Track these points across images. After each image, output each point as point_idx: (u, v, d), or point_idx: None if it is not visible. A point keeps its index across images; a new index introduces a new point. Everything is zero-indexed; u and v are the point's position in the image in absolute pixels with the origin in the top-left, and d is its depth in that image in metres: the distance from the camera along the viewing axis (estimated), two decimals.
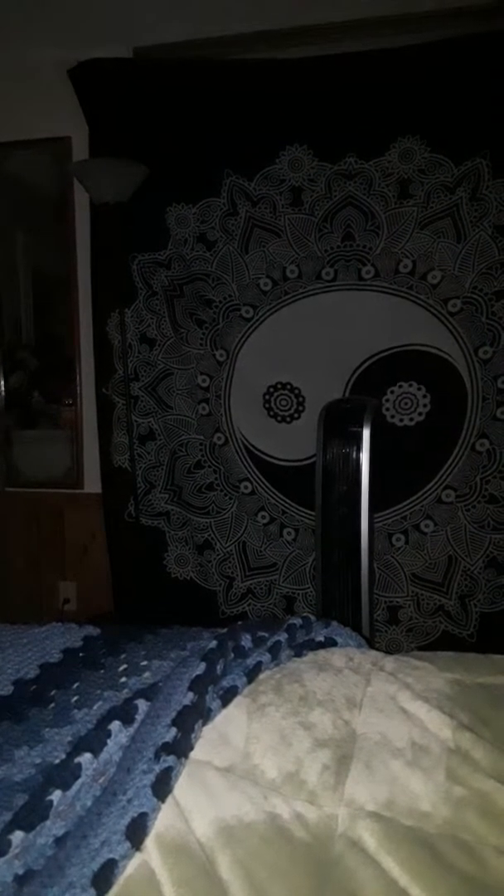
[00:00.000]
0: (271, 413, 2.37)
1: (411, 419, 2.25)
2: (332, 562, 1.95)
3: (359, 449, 1.84)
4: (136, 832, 0.58)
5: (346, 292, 2.24)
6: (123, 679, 0.82)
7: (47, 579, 2.70)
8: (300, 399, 2.33)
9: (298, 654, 0.89)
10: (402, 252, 2.17)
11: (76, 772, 0.63)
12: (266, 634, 0.87)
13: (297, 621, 0.92)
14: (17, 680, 0.86)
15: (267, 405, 2.36)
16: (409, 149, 2.11)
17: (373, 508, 1.88)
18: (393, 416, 2.26)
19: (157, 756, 0.65)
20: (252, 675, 0.81)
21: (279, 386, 2.34)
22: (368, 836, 0.60)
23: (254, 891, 0.55)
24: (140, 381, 2.44)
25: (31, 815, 0.59)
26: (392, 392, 2.25)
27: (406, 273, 2.18)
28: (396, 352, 2.23)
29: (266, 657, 0.84)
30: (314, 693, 0.78)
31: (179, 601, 2.51)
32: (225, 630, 0.87)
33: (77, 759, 0.64)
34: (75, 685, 0.82)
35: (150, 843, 0.59)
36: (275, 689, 0.80)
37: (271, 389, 2.35)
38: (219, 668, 0.77)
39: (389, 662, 0.87)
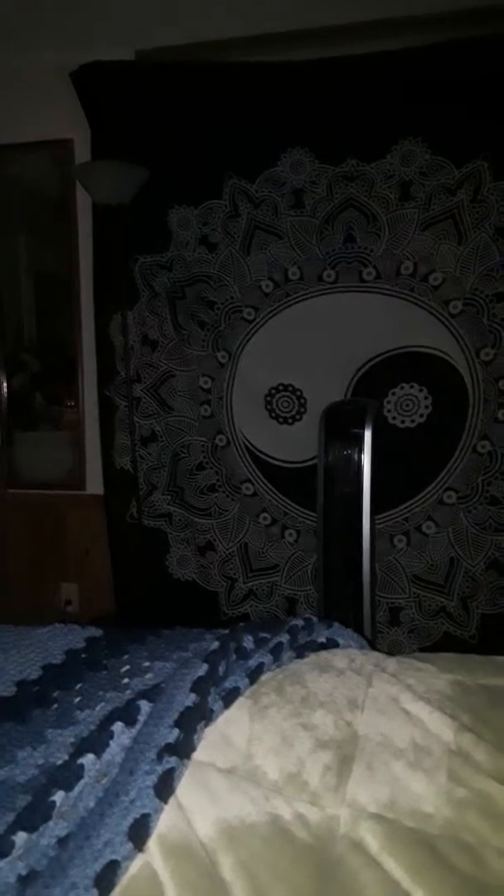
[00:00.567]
0: (273, 414, 2.37)
1: (413, 421, 2.25)
2: (333, 563, 1.95)
3: (360, 450, 1.84)
4: (139, 833, 0.58)
5: (348, 294, 2.24)
6: (126, 680, 0.82)
7: (49, 580, 2.71)
8: (302, 401, 2.33)
9: (300, 656, 0.89)
10: (403, 254, 2.18)
11: (79, 773, 0.64)
12: (268, 636, 0.87)
13: (299, 622, 0.92)
14: (20, 681, 0.86)
15: (269, 407, 2.37)
16: (410, 151, 2.11)
17: (374, 510, 1.88)
18: (394, 418, 2.26)
19: (159, 757, 0.65)
20: (254, 676, 0.81)
21: (281, 387, 2.35)
22: (370, 838, 0.60)
23: (256, 892, 0.55)
24: (142, 382, 2.44)
25: (34, 815, 0.60)
26: (393, 394, 2.25)
27: (407, 275, 2.18)
28: (398, 353, 2.23)
29: (268, 658, 0.84)
30: (316, 694, 0.78)
31: (181, 602, 2.51)
32: (227, 631, 0.88)
33: (80, 760, 0.65)
34: (78, 686, 0.83)
35: (152, 843, 0.59)
36: (277, 690, 0.80)
37: (273, 391, 2.35)
38: (221, 669, 0.78)
39: (391, 664, 0.87)
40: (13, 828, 0.58)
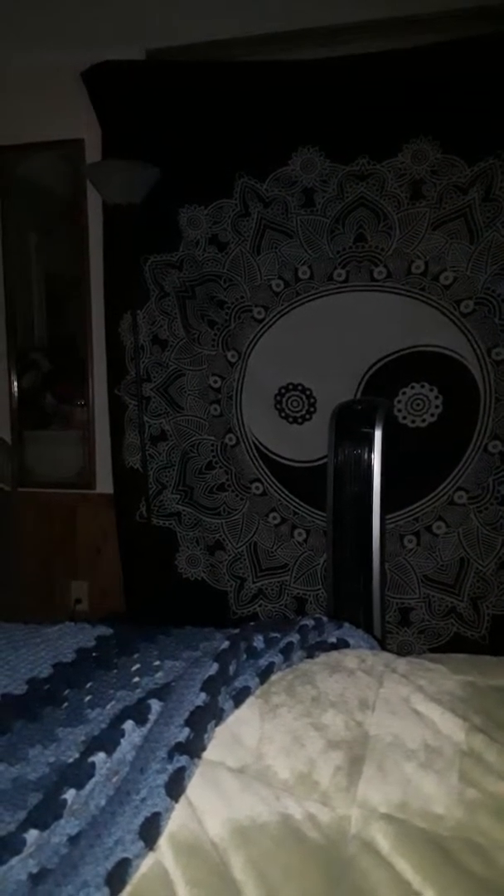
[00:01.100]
0: (283, 414, 2.37)
1: (423, 420, 2.24)
2: (343, 563, 1.94)
3: (370, 450, 1.83)
4: (150, 831, 0.58)
5: (359, 293, 2.24)
6: (136, 679, 0.82)
7: (59, 579, 2.72)
8: (312, 400, 2.33)
9: (311, 656, 0.89)
10: (414, 253, 2.17)
11: (90, 771, 0.64)
12: (278, 635, 0.87)
13: (310, 622, 0.92)
14: (31, 679, 0.86)
15: (278, 406, 2.36)
16: (421, 149, 2.11)
17: (384, 510, 1.87)
18: (405, 418, 2.25)
19: (170, 756, 0.65)
20: (264, 676, 0.81)
21: (291, 387, 2.34)
22: (382, 838, 0.60)
23: (267, 891, 0.55)
24: (152, 381, 2.45)
25: (46, 813, 0.60)
26: (404, 393, 2.24)
27: (418, 274, 2.18)
28: (408, 353, 2.22)
29: (278, 658, 0.83)
30: (326, 694, 0.78)
31: (190, 602, 2.52)
32: (237, 631, 0.87)
33: (91, 759, 0.65)
34: (88, 685, 0.83)
35: (163, 842, 0.59)
36: (287, 690, 0.80)
37: (283, 390, 2.35)
38: (231, 668, 0.78)
39: (402, 664, 0.87)
40: (25, 825, 0.59)
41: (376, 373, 2.26)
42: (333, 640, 0.93)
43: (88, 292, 2.55)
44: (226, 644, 0.81)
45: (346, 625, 0.97)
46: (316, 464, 2.29)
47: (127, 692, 0.80)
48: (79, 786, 0.62)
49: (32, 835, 0.57)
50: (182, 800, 0.63)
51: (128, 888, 0.55)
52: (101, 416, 2.59)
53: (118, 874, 0.55)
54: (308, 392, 2.33)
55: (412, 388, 2.24)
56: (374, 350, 2.25)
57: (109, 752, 0.66)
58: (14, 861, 0.56)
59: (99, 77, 2.32)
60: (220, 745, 0.70)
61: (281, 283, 2.29)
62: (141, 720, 0.70)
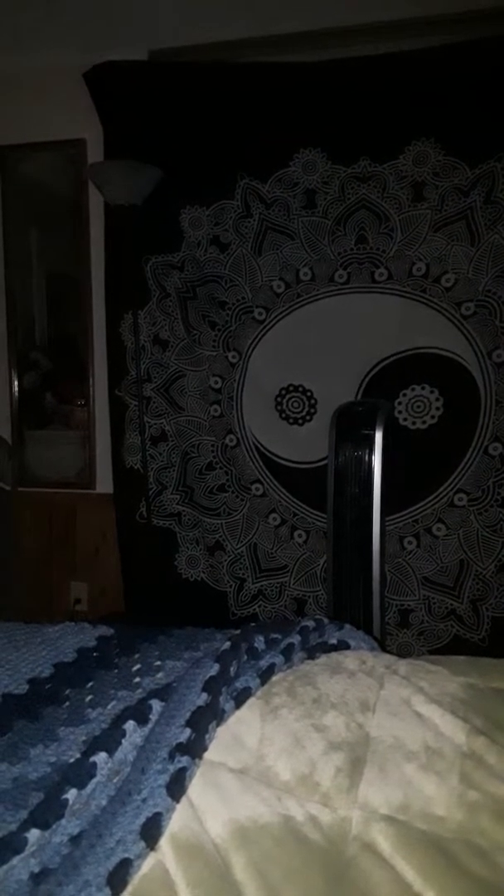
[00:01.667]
0: (283, 415, 2.37)
1: (424, 422, 2.25)
2: (343, 564, 1.95)
3: (371, 452, 1.84)
4: (151, 832, 0.58)
5: (359, 295, 2.24)
6: (137, 679, 0.82)
7: (58, 579, 2.71)
8: (312, 401, 2.33)
9: (311, 657, 0.89)
10: (415, 255, 2.17)
11: (91, 771, 0.64)
12: (279, 636, 0.87)
13: (310, 623, 0.92)
14: (32, 678, 0.86)
15: (279, 407, 2.37)
16: (423, 152, 2.11)
17: (384, 511, 1.88)
18: (405, 419, 2.25)
19: (171, 756, 0.65)
20: (265, 676, 0.81)
21: (291, 388, 2.35)
22: (382, 840, 0.60)
23: (268, 892, 0.55)
24: (152, 382, 2.45)
25: (47, 813, 0.60)
26: (405, 395, 2.24)
27: (419, 276, 2.18)
28: (409, 355, 2.23)
29: (279, 659, 0.83)
30: (327, 696, 0.78)
31: (190, 602, 2.52)
32: (238, 631, 0.87)
33: (92, 758, 0.65)
34: (89, 684, 0.83)
35: (164, 843, 0.59)
36: (288, 691, 0.80)
37: (283, 391, 2.35)
38: (232, 669, 0.78)
39: (403, 666, 0.87)
40: (26, 825, 0.58)
41: (377, 374, 2.26)
42: (334, 641, 0.93)
43: (90, 292, 2.55)
44: (227, 645, 0.81)
45: (347, 626, 0.97)
46: (316, 465, 2.30)
47: (128, 692, 0.80)
48: (80, 786, 0.62)
49: (34, 834, 0.57)
50: (183, 800, 0.63)
51: (129, 888, 0.55)
52: (101, 417, 2.59)
53: (119, 874, 0.55)
54: (309, 393, 2.33)
55: (413, 389, 2.24)
56: (374, 352, 2.26)
57: (111, 752, 0.66)
58: (16, 860, 0.56)
59: (101, 77, 2.32)
60: (221, 745, 0.70)
61: (282, 284, 2.29)
62: (142, 720, 0.70)
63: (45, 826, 0.58)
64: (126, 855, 0.56)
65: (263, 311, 2.32)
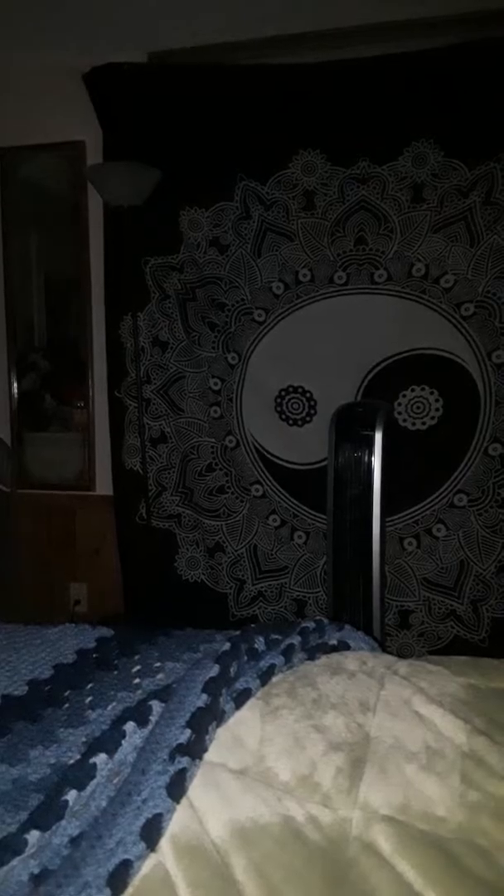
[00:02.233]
0: (283, 416, 2.37)
1: (423, 423, 2.25)
2: (343, 565, 1.94)
3: (371, 453, 1.84)
4: (151, 833, 0.58)
5: (359, 296, 2.24)
6: (137, 680, 0.82)
7: (58, 580, 2.71)
8: (312, 402, 2.33)
9: (311, 658, 0.89)
10: (415, 256, 2.17)
11: (91, 772, 0.64)
12: (279, 637, 0.87)
13: (311, 624, 0.92)
14: (32, 680, 0.86)
15: (279, 408, 2.37)
16: (422, 153, 2.11)
17: (384, 512, 1.87)
18: (405, 420, 2.25)
19: (171, 757, 0.65)
20: (265, 677, 0.81)
21: (291, 389, 2.34)
22: (383, 840, 0.60)
23: (269, 893, 0.55)
24: (152, 383, 2.45)
25: (47, 814, 0.60)
26: (404, 396, 2.24)
27: (419, 277, 2.18)
28: (409, 356, 2.23)
29: (279, 660, 0.83)
30: (327, 696, 0.78)
31: (190, 603, 2.52)
32: (238, 632, 0.87)
33: (92, 760, 0.65)
34: (89, 686, 0.83)
35: (164, 843, 0.59)
36: (288, 691, 0.80)
37: (283, 393, 2.35)
38: (232, 670, 0.77)
39: (403, 666, 0.87)
40: (26, 826, 0.58)
41: (377, 375, 2.26)
42: (334, 642, 0.93)
43: (89, 294, 2.55)
44: (227, 646, 0.81)
45: (347, 627, 0.96)
46: (316, 466, 2.29)
47: (128, 693, 0.80)
48: (80, 787, 0.62)
49: (34, 836, 0.57)
50: (183, 801, 0.63)
51: (129, 889, 0.55)
52: (101, 418, 2.59)
53: (120, 875, 0.55)
54: (308, 394, 2.33)
55: (412, 390, 2.24)
56: (374, 352, 2.26)
57: (110, 754, 0.66)
58: (16, 861, 0.56)
59: (100, 79, 2.32)
60: (222, 746, 0.70)
61: (281, 285, 2.29)
62: (142, 721, 0.70)
63: (45, 827, 0.58)
64: (126, 856, 0.56)
65: (263, 313, 2.32)
